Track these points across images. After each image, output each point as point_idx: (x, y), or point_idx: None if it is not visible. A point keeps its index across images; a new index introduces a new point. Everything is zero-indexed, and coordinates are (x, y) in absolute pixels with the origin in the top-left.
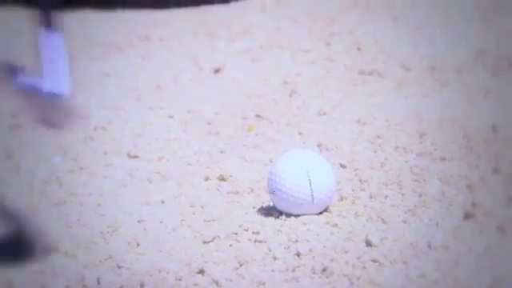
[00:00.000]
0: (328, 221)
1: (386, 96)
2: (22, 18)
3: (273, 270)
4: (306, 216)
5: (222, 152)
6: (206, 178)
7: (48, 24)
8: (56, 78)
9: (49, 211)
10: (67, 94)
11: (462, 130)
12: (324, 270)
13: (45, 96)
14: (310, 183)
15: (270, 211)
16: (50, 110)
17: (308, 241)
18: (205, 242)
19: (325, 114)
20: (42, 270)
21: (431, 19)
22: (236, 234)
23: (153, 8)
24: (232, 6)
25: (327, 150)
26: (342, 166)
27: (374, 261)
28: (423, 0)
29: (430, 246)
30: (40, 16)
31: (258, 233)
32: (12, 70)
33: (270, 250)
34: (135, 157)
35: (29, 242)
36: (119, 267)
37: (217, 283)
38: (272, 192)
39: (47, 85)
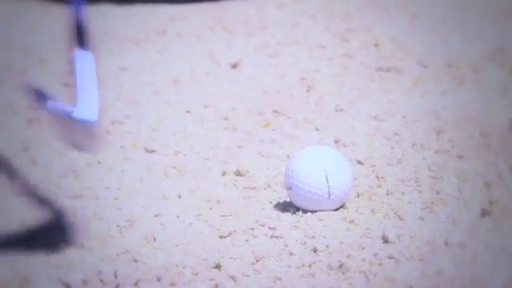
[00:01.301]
0: (345, 217)
1: (403, 93)
2: (40, 11)
3: (289, 266)
4: (322, 212)
5: (238, 147)
6: (223, 173)
7: (81, 44)
8: (86, 103)
9: (65, 205)
10: (95, 119)
11: (478, 127)
12: (340, 266)
13: (74, 121)
14: (326, 179)
15: (286, 207)
16: (77, 133)
17: (324, 237)
18: (221, 237)
19: (342, 110)
20: (59, 263)
21: (448, 17)
22: (252, 229)
23: (170, 2)
24: (250, 1)
25: (344, 146)
26: (359, 163)
27: (391, 257)
28: None
29: (446, 243)
30: (73, 36)
31: (274, 228)
32: (40, 96)
33: (287, 246)
34: (152, 151)
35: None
36: (136, 261)
37: (233, 278)
38: (289, 188)
39: (77, 110)
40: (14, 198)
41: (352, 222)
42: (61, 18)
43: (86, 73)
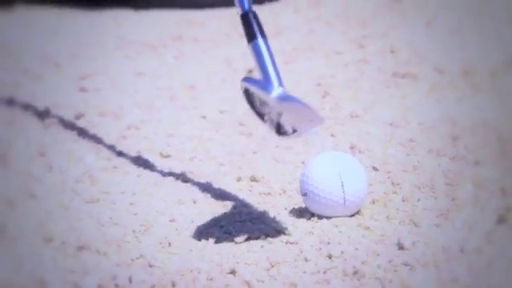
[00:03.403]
0: (360, 223)
1: (420, 99)
2: (56, 16)
3: (304, 272)
4: (337, 218)
5: (254, 153)
6: (238, 179)
7: (253, 35)
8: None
9: (81, 209)
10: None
11: (495, 133)
12: (355, 272)
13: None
14: (342, 185)
15: (301, 213)
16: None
17: (340, 243)
18: (236, 243)
19: (357, 116)
20: (74, 268)
21: (465, 23)
22: (268, 235)
23: (186, 8)
24: (265, 7)
25: (359, 152)
26: (375, 169)
27: (406, 264)
28: (457, 4)
29: (462, 250)
30: (245, 30)
31: (289, 234)
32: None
33: (302, 252)
34: (168, 156)
35: None
36: (151, 266)
37: (248, 284)
38: (304, 194)
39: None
40: (29, 202)
41: (367, 228)
42: (77, 22)
43: (268, 54)
